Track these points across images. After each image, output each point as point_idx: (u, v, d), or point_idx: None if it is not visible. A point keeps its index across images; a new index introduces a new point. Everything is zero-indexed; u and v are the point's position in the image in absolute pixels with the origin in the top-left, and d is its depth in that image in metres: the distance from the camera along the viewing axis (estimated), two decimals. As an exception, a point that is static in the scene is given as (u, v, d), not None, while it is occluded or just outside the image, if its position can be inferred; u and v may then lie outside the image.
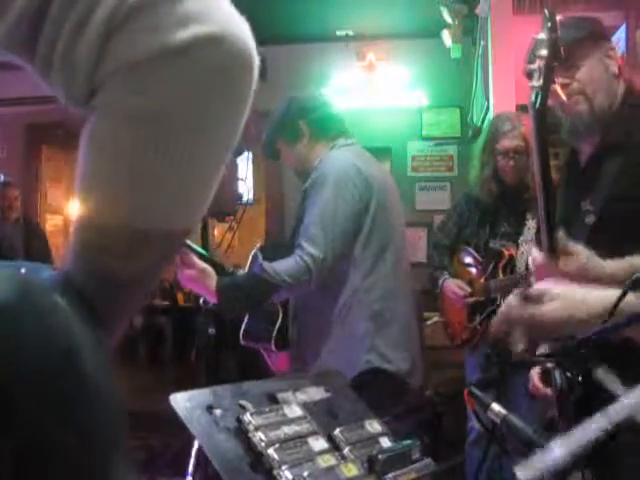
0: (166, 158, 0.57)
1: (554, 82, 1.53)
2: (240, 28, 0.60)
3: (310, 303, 2.30)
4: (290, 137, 2.41)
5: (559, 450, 0.77)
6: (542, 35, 1.50)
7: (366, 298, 2.23)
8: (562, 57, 1.50)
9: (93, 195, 0.59)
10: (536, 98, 1.52)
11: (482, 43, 4.52)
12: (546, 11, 1.51)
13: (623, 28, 3.89)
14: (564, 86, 1.76)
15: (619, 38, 3.90)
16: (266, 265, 2.14)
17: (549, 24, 1.49)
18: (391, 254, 2.28)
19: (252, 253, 2.55)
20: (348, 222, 2.21)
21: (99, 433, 0.54)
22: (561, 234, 1.45)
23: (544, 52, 1.50)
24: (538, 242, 2.48)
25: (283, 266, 2.14)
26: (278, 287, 2.13)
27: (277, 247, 2.57)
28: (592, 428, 0.79)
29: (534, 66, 1.52)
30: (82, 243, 0.61)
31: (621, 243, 1.57)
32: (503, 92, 4.03)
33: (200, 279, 2.15)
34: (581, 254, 1.44)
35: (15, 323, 0.51)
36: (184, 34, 0.56)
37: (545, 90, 1.51)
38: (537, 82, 1.52)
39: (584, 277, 1.38)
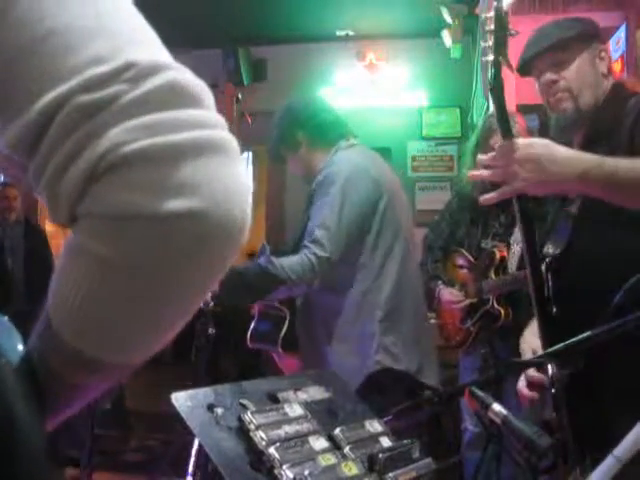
0: (128, 310, 0.57)
1: (505, 55, 1.58)
2: (232, 201, 0.56)
3: (320, 306, 2.30)
4: (289, 146, 2.41)
5: None
6: (490, 13, 1.54)
7: (376, 298, 2.23)
8: (508, 28, 1.55)
9: (55, 309, 0.60)
10: (490, 74, 1.57)
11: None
12: None
13: (623, 28, 3.89)
14: (551, 83, 1.78)
15: (619, 38, 3.90)
16: (273, 259, 2.14)
17: (495, 2, 1.53)
18: (399, 253, 2.28)
19: (260, 247, 2.55)
20: (354, 223, 2.20)
21: None
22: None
23: (492, 27, 1.54)
24: None
25: (289, 262, 2.13)
26: (282, 282, 2.12)
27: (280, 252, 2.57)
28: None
29: (485, 43, 1.56)
30: (40, 338, 0.62)
31: (603, 229, 1.58)
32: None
33: None
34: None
35: None
36: (168, 203, 0.53)
37: (497, 64, 1.56)
38: (490, 57, 1.56)
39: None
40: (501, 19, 1.54)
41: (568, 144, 1.84)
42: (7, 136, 0.55)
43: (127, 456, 4.44)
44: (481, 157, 1.63)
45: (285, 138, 2.41)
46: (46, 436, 0.59)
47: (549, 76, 1.78)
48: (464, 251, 3.12)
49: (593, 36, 1.82)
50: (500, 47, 1.55)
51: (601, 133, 1.75)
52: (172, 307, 0.59)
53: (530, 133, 2.81)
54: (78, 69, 0.53)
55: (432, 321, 3.40)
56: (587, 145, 1.77)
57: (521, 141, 1.56)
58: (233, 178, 0.56)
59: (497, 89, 1.60)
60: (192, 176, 0.53)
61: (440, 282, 3.17)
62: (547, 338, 1.53)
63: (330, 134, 2.39)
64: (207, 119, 0.55)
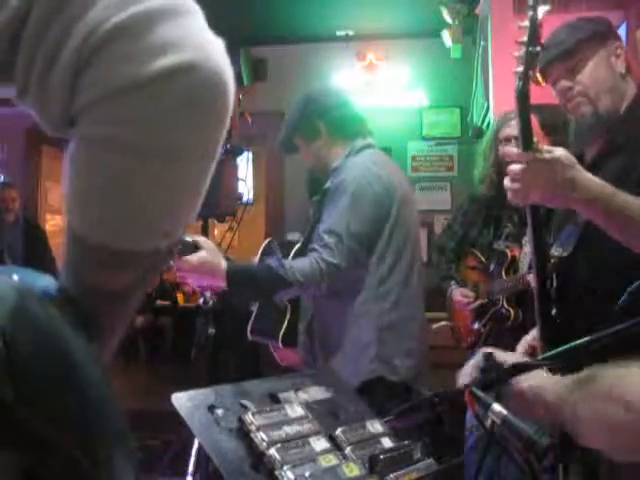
0: (141, 185, 0.58)
1: (534, 68, 1.59)
2: (215, 52, 0.59)
3: (326, 307, 2.30)
4: (307, 135, 2.38)
5: None
6: (525, 22, 1.54)
7: (379, 305, 2.22)
8: (540, 42, 1.55)
9: (76, 215, 0.61)
10: (518, 83, 1.57)
11: (482, 43, 4.51)
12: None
13: (623, 28, 3.89)
14: (567, 89, 1.76)
15: (619, 38, 3.90)
16: (284, 261, 2.14)
17: (531, 12, 1.53)
18: (406, 260, 2.27)
19: (264, 245, 2.55)
20: (365, 231, 2.19)
21: (98, 438, 0.55)
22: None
23: (524, 38, 1.54)
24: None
25: (298, 265, 2.14)
26: (290, 284, 2.12)
27: (283, 246, 2.57)
28: None
29: (518, 53, 1.56)
30: (69, 257, 0.63)
31: (613, 240, 1.58)
32: (503, 92, 4.02)
33: (203, 264, 2.04)
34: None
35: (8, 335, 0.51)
36: (156, 64, 0.55)
37: (525, 75, 1.56)
38: (519, 68, 1.56)
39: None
40: (535, 31, 1.53)
41: (583, 156, 1.83)
42: None
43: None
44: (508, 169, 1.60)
45: (304, 126, 2.37)
46: (103, 364, 0.60)
47: (564, 83, 1.76)
48: (477, 252, 3.12)
49: (606, 34, 1.78)
50: (530, 60, 1.55)
51: (621, 143, 1.72)
52: (185, 175, 0.60)
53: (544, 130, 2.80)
54: None
55: (443, 323, 3.40)
56: (605, 155, 1.75)
57: (544, 159, 1.52)
58: (207, 34, 0.60)
59: (522, 101, 1.59)
60: (172, 35, 0.56)
61: (453, 282, 3.17)
62: (547, 340, 1.53)
63: (350, 128, 2.37)
64: None
